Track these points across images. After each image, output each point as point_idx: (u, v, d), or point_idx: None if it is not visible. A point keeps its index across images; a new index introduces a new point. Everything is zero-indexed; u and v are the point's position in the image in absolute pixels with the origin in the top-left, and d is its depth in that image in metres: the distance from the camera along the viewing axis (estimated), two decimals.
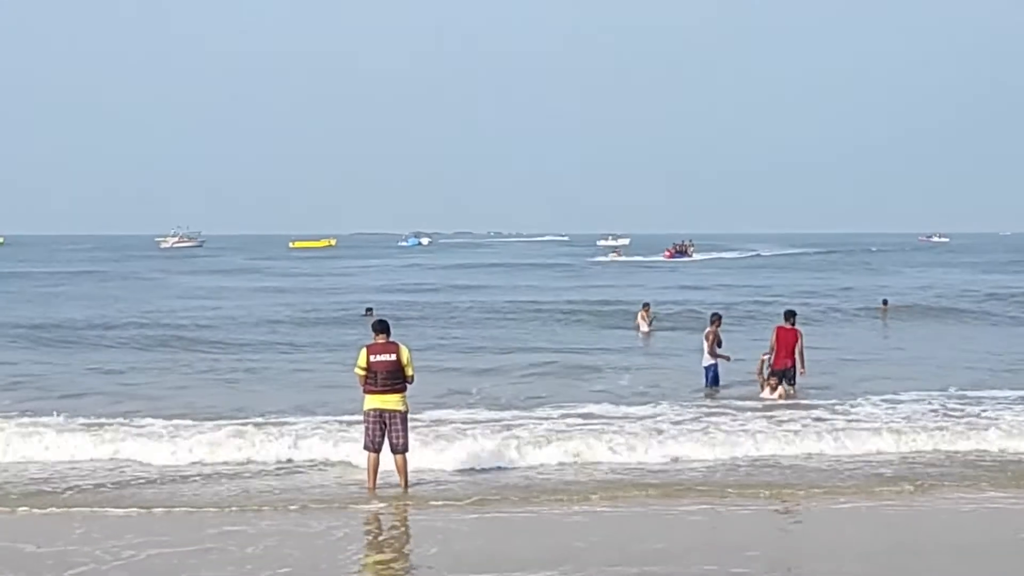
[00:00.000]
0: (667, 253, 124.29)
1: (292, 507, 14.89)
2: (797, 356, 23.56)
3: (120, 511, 14.53)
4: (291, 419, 20.43)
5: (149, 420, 19.99)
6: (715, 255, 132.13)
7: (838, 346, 35.32)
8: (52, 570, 12.10)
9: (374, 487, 15.93)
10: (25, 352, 32.96)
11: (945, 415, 21.28)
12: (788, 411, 21.60)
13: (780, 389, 23.27)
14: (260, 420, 20.19)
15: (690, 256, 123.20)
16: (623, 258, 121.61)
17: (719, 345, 25.63)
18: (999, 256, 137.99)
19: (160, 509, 14.69)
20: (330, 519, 14.34)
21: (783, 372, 23.59)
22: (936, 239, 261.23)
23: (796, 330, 23.90)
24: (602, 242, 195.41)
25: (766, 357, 24.02)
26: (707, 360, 25.69)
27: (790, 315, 24.40)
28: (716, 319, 26.32)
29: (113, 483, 16.07)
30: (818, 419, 20.69)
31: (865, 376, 27.21)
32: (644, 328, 39.79)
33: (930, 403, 22.68)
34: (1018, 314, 48.82)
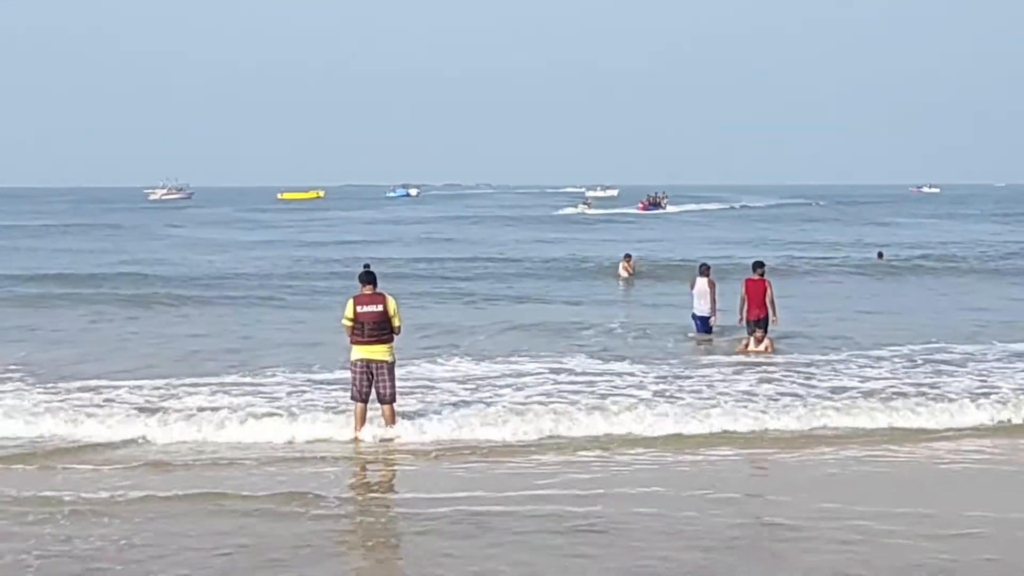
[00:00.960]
0: (640, 205, 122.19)
1: (280, 456, 15.01)
2: (768, 305, 23.79)
3: (93, 466, 14.49)
4: (281, 374, 20.43)
5: (141, 382, 19.72)
6: (691, 207, 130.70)
7: (833, 298, 35.48)
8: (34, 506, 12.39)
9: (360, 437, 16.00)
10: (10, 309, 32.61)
11: (930, 372, 21.04)
12: (776, 368, 21.51)
13: (766, 341, 23.36)
14: (245, 379, 20.15)
15: (664, 208, 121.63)
16: (592, 211, 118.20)
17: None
18: (987, 207, 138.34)
19: (143, 464, 14.68)
20: (319, 465, 14.52)
21: (755, 323, 23.73)
22: (927, 190, 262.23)
23: (765, 280, 24.15)
24: (591, 193, 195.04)
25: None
26: (705, 310, 25.77)
27: (758, 266, 24.66)
28: (706, 269, 26.37)
29: (83, 445, 15.72)
30: (807, 378, 20.42)
31: (857, 330, 26.84)
32: (625, 276, 40.27)
33: (915, 359, 22.47)
34: (994, 265, 48.66)
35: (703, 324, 25.88)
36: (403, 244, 64.62)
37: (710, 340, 25.26)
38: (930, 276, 43.88)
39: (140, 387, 19.17)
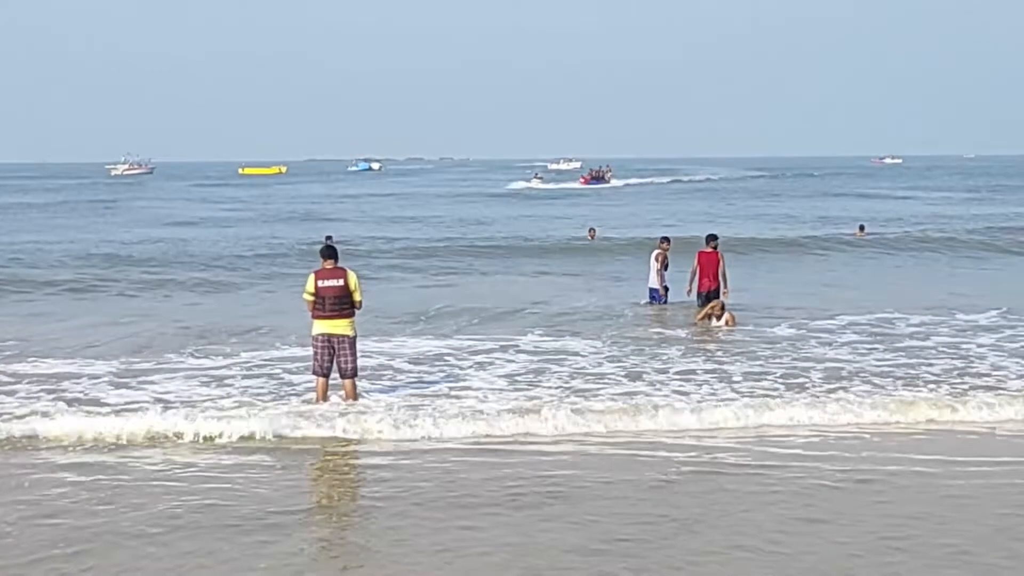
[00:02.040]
0: (583, 180, 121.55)
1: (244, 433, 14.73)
2: (720, 278, 24.25)
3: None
4: (234, 355, 20.19)
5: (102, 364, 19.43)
6: (636, 180, 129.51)
7: (817, 271, 35.68)
8: None
9: None
10: None
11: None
12: (738, 346, 21.73)
13: (726, 315, 23.48)
14: (200, 360, 20.06)
15: (608, 182, 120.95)
16: (544, 185, 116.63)
17: (665, 268, 26.05)
18: (948, 180, 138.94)
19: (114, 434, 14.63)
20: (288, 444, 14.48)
21: (707, 294, 24.14)
22: (889, 161, 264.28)
23: (717, 253, 24.64)
24: (553, 165, 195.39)
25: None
26: (655, 282, 26.09)
27: (711, 239, 25.12)
28: (664, 241, 26.76)
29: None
30: (762, 358, 20.67)
31: (829, 303, 27.03)
32: (590, 240, 43.21)
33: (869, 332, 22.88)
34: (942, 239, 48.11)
35: (652, 295, 26.28)
36: (360, 222, 64.15)
37: (664, 310, 25.58)
38: (910, 250, 42.68)
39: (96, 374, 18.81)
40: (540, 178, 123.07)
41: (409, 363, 19.38)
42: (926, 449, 14.00)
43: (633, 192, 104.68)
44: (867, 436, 14.73)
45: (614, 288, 30.54)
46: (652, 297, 26.30)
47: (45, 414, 15.24)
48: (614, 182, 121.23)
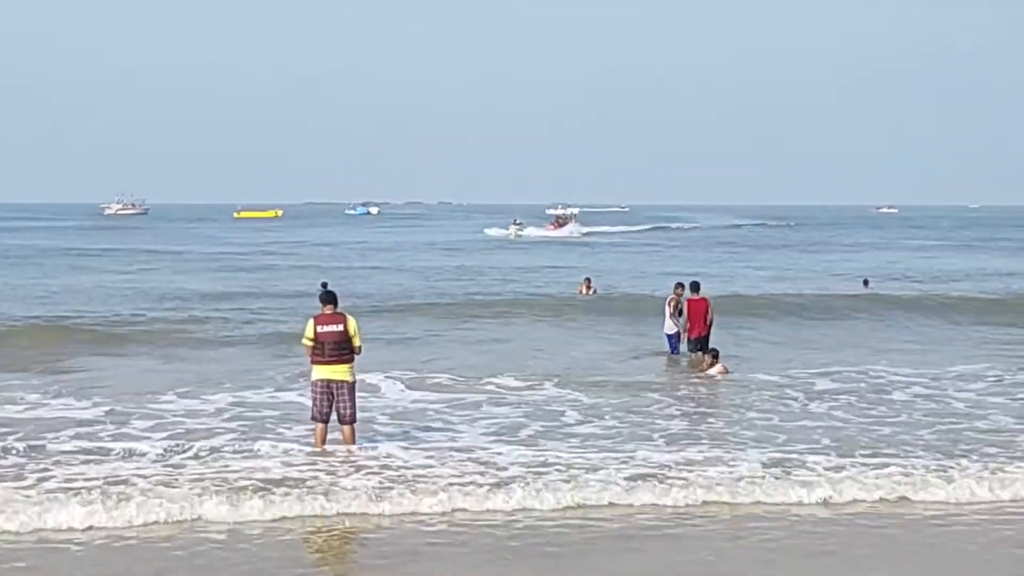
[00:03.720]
0: (551, 226, 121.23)
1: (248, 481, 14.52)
2: (707, 326, 24.73)
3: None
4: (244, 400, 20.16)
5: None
6: (602, 228, 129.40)
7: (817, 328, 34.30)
8: None
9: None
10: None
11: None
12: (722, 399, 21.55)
13: (719, 365, 23.39)
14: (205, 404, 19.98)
15: (569, 230, 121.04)
16: (523, 232, 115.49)
17: (680, 314, 25.79)
18: (937, 232, 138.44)
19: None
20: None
21: (698, 341, 24.62)
22: (885, 210, 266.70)
23: (705, 299, 25.13)
24: (551, 211, 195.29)
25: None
26: (670, 328, 26.12)
27: (695, 287, 25.53)
28: (679, 287, 26.54)
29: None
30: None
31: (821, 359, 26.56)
32: (585, 296, 40.16)
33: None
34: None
35: (670, 342, 26.25)
36: (349, 270, 62.83)
37: (676, 361, 25.65)
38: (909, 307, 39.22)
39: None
40: (519, 224, 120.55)
41: (398, 416, 18.96)
42: None
43: (606, 243, 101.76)
44: None
45: (619, 337, 30.09)
46: (671, 345, 26.20)
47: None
48: (575, 230, 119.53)
